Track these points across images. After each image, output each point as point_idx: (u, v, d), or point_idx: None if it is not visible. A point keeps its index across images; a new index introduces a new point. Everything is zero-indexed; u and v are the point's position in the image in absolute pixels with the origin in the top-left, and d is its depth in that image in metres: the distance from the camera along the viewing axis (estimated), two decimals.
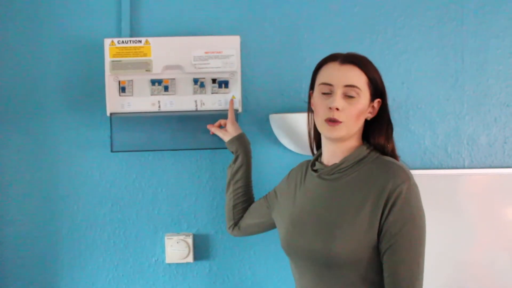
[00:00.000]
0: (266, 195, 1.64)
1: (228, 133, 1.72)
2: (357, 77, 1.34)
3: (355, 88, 1.33)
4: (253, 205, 1.69)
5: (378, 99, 1.38)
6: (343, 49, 1.41)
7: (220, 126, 1.76)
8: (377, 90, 1.37)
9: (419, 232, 1.27)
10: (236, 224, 1.71)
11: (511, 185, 1.91)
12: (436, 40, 1.94)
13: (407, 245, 1.26)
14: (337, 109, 1.32)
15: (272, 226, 1.60)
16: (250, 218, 1.68)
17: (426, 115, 1.94)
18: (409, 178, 1.29)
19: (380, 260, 1.28)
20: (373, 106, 1.38)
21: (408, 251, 1.26)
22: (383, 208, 1.27)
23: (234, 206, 1.71)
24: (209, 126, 1.76)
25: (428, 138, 1.94)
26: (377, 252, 1.29)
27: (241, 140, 1.70)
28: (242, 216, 1.70)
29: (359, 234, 1.27)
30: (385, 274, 1.27)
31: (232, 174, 1.71)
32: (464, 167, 1.94)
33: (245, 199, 1.70)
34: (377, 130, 1.39)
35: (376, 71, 1.37)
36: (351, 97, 1.33)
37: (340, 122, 1.33)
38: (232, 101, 1.75)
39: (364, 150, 1.37)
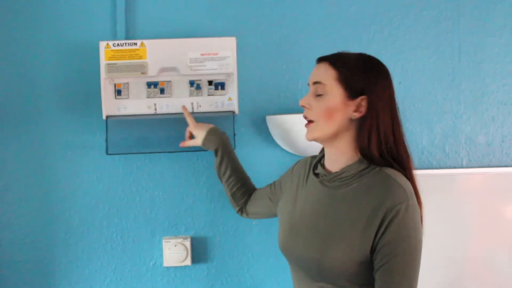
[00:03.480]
0: (271, 184, 1.61)
1: (197, 139, 1.70)
2: (324, 73, 1.30)
3: (319, 84, 1.30)
4: (258, 193, 1.67)
5: (363, 96, 1.29)
6: (340, 49, 1.38)
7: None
8: (355, 86, 1.29)
9: (413, 254, 1.23)
10: (241, 209, 1.70)
11: (509, 184, 1.91)
12: (432, 39, 1.93)
13: (400, 265, 1.21)
14: (304, 106, 1.32)
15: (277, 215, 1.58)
16: (255, 207, 1.67)
17: (424, 114, 1.93)
18: (408, 199, 1.23)
19: (373, 275, 1.25)
20: (359, 105, 1.29)
21: (400, 272, 1.22)
22: (379, 226, 1.22)
23: (233, 195, 1.70)
24: (181, 144, 1.75)
25: (425, 137, 1.94)
26: (368, 267, 1.25)
27: (211, 136, 1.67)
28: (246, 200, 1.69)
29: (350, 249, 1.24)
30: None
31: (217, 167, 1.69)
32: (462, 167, 1.94)
33: (240, 185, 1.69)
34: (361, 131, 1.29)
35: (353, 66, 1.29)
36: (319, 94, 1.30)
37: (312, 121, 1.31)
38: (184, 107, 1.73)
39: (365, 161, 1.30)
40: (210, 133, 1.67)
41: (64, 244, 1.86)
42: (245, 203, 1.70)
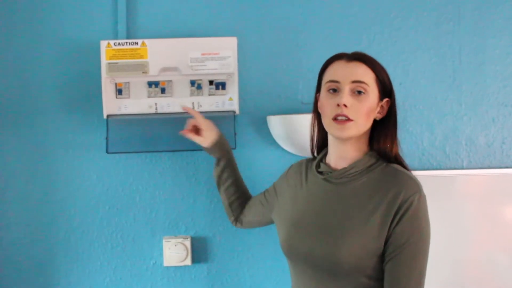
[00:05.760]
0: (265, 192, 1.61)
1: (206, 140, 1.64)
2: (365, 73, 1.31)
3: (362, 84, 1.30)
4: (252, 201, 1.66)
5: (387, 99, 1.36)
6: (340, 50, 1.40)
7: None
8: (386, 89, 1.35)
9: (424, 244, 1.27)
10: (236, 218, 1.70)
11: (509, 185, 1.91)
12: (433, 41, 1.93)
13: (411, 256, 1.25)
14: (345, 106, 1.29)
15: (272, 222, 1.59)
16: (250, 215, 1.66)
17: (424, 115, 1.93)
18: (419, 190, 1.28)
19: (383, 268, 1.27)
20: (382, 106, 1.35)
21: (411, 263, 1.25)
22: (393, 217, 1.26)
23: (230, 204, 1.69)
24: (182, 132, 1.66)
25: (426, 139, 1.94)
26: (382, 260, 1.27)
27: (220, 143, 1.65)
28: (241, 211, 1.68)
29: (367, 242, 1.26)
30: (386, 284, 1.26)
31: (218, 176, 1.68)
32: (462, 168, 1.94)
33: (238, 195, 1.68)
34: (383, 133, 1.36)
35: (383, 69, 1.35)
36: (359, 93, 1.31)
37: (351, 120, 1.30)
38: (187, 108, 1.68)
39: (374, 157, 1.35)
40: (220, 140, 1.65)
41: (64, 243, 1.86)
42: (240, 213, 1.69)
